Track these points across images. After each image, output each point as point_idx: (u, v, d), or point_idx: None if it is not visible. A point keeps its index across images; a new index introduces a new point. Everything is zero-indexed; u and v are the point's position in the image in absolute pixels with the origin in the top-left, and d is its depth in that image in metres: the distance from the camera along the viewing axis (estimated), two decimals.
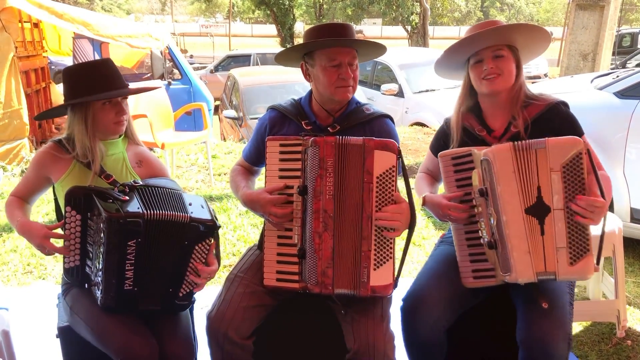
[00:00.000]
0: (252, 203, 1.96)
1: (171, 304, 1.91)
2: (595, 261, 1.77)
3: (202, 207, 1.93)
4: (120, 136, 2.11)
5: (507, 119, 2.00)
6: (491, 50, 1.94)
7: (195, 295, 2.05)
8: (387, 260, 1.82)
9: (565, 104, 2.01)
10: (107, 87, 1.97)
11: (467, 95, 2.09)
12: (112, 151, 2.07)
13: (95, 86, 1.96)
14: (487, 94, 2.00)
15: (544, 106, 1.99)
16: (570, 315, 1.87)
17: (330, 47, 1.95)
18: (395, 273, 1.86)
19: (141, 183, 1.96)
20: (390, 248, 1.83)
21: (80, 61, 7.70)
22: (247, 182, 2.14)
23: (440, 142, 2.15)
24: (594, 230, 1.79)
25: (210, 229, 1.89)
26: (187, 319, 2.03)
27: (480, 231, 1.88)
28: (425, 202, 2.02)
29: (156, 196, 1.89)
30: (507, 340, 1.93)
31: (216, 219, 1.91)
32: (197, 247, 1.87)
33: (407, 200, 1.85)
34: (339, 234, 1.84)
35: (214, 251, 1.94)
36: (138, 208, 1.81)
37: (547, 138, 1.77)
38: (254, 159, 2.21)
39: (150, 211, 1.80)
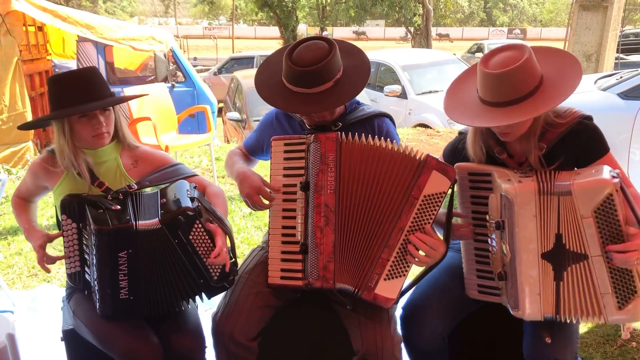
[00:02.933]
0: (245, 179, 1.94)
1: (212, 289, 1.89)
2: None
3: (175, 196, 1.88)
4: (112, 141, 2.05)
5: (525, 144, 1.83)
6: None
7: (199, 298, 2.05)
8: (400, 276, 1.82)
9: (588, 118, 1.84)
10: (81, 100, 1.89)
11: None
12: (103, 158, 2.03)
13: (69, 99, 1.89)
14: None
15: (565, 127, 1.81)
16: (577, 332, 1.86)
17: None
18: (400, 291, 1.85)
19: (135, 187, 1.94)
20: (408, 266, 1.82)
21: (84, 64, 7.74)
22: (245, 163, 2.17)
23: (455, 155, 2.01)
24: None
25: (189, 217, 1.82)
26: (195, 313, 2.02)
27: (491, 255, 1.84)
28: None
29: (148, 202, 1.87)
30: (510, 346, 1.93)
31: (193, 200, 1.85)
32: (191, 237, 1.83)
33: (445, 236, 1.84)
34: (343, 229, 1.84)
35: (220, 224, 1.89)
36: (128, 217, 1.79)
37: (572, 182, 1.65)
38: (253, 151, 2.24)
39: (140, 221, 1.78)
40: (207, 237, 1.85)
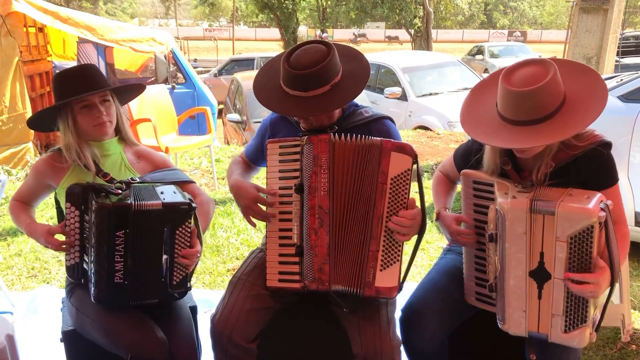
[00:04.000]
0: (239, 191, 1.97)
1: (167, 293, 1.92)
2: (592, 331, 1.67)
3: (175, 193, 1.94)
4: (116, 136, 2.14)
5: (538, 160, 1.79)
6: None
7: (198, 299, 2.06)
8: (395, 262, 1.82)
9: (606, 145, 1.78)
10: (80, 91, 1.99)
11: None
12: (109, 151, 2.11)
13: (70, 91, 1.99)
14: None
15: (580, 149, 1.76)
16: None
17: None
18: (401, 277, 1.86)
19: (138, 180, 2.00)
20: (399, 251, 1.83)
21: None
22: (243, 173, 2.17)
23: (466, 159, 1.99)
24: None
25: (186, 211, 1.87)
26: (189, 320, 2.04)
27: (487, 265, 1.84)
28: (438, 219, 1.98)
29: (147, 192, 1.92)
30: (511, 350, 1.92)
31: (191, 201, 1.90)
32: (178, 232, 1.87)
33: (419, 206, 1.85)
34: (336, 230, 1.84)
35: (197, 233, 1.94)
36: (129, 199, 1.84)
37: (558, 202, 1.62)
38: (254, 159, 2.24)
39: (145, 202, 1.83)
40: (187, 240, 1.90)
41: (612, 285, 1.62)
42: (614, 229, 1.63)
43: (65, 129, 2.02)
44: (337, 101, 1.87)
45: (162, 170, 2.15)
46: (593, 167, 1.77)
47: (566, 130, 1.62)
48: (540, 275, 1.68)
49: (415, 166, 1.81)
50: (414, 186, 1.84)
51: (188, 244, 1.89)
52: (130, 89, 2.22)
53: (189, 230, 1.89)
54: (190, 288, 1.97)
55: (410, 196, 1.83)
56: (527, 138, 1.64)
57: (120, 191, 1.88)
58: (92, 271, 1.83)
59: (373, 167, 1.81)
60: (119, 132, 2.15)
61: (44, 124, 2.15)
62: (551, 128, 1.63)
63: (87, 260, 1.91)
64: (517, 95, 1.63)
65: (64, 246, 1.92)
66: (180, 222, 1.87)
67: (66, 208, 1.91)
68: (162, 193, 1.91)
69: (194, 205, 1.89)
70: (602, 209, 1.57)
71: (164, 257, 1.87)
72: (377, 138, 1.83)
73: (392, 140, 1.82)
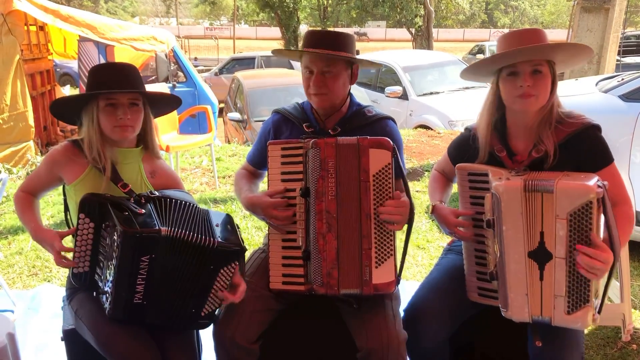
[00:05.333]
0: (254, 206, 1.97)
1: (193, 323, 1.89)
2: (595, 312, 1.68)
3: (229, 228, 1.89)
4: (138, 146, 2.06)
5: (532, 141, 1.86)
6: (530, 64, 1.78)
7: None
8: (388, 257, 1.82)
9: (597, 128, 1.85)
10: (111, 87, 1.91)
11: (495, 107, 1.92)
12: (128, 160, 2.03)
13: (100, 86, 1.92)
14: (519, 112, 1.87)
15: (574, 129, 1.84)
16: (582, 333, 1.85)
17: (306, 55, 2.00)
18: (397, 270, 1.86)
19: (158, 194, 1.92)
20: (391, 245, 1.83)
21: (86, 64, 7.76)
22: (250, 186, 2.14)
23: (461, 151, 2.03)
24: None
25: (236, 253, 1.85)
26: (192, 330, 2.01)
27: (486, 256, 1.86)
28: (434, 212, 1.99)
29: (174, 211, 1.85)
30: (513, 349, 1.92)
31: (242, 242, 1.88)
32: (222, 271, 1.84)
33: (405, 193, 1.86)
34: (342, 234, 1.84)
35: (240, 271, 1.91)
36: (154, 222, 1.77)
37: (556, 181, 1.66)
38: (258, 163, 2.22)
39: (166, 228, 1.75)
40: (229, 279, 1.86)
41: (612, 265, 1.64)
42: (612, 210, 1.67)
43: (89, 124, 1.94)
44: (351, 59, 1.98)
45: (178, 191, 2.05)
46: (586, 147, 1.83)
47: (564, 44, 1.79)
48: (541, 255, 1.69)
49: (394, 159, 1.83)
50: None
51: (227, 283, 1.86)
52: (165, 100, 2.12)
53: (232, 270, 1.86)
54: (215, 319, 1.93)
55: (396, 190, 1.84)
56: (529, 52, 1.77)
57: (143, 210, 1.80)
58: (110, 290, 1.77)
59: (354, 166, 1.82)
60: (143, 141, 2.07)
61: (66, 114, 2.05)
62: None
63: (99, 273, 1.86)
64: (517, 33, 1.82)
65: (72, 260, 1.85)
66: (227, 262, 1.84)
67: (79, 218, 1.83)
68: (217, 226, 1.86)
69: (245, 247, 1.87)
70: (599, 186, 1.62)
71: (200, 288, 1.83)
72: (353, 137, 1.83)
73: (367, 137, 1.83)
